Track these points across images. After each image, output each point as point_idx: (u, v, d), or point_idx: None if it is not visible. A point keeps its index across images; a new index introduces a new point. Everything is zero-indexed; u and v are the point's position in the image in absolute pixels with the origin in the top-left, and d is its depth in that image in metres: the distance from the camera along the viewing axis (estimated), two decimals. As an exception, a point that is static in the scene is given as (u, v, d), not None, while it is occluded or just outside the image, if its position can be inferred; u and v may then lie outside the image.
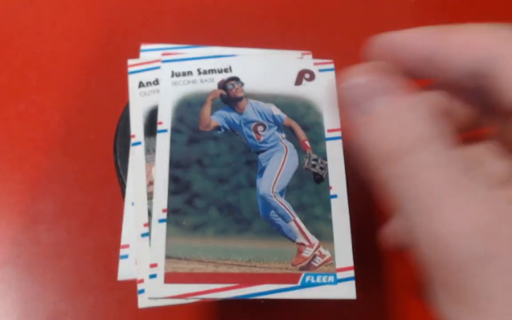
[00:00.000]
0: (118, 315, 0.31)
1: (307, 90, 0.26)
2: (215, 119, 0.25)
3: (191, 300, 0.22)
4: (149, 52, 0.29)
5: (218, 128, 0.25)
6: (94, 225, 0.34)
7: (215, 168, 0.24)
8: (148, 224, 0.24)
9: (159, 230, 0.23)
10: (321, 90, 0.27)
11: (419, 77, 0.25)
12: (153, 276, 0.22)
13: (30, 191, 0.35)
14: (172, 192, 0.24)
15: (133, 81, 0.27)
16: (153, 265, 0.22)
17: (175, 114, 0.25)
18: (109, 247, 0.33)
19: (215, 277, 0.22)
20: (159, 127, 0.25)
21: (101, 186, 0.35)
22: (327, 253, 0.22)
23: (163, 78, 0.26)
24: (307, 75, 0.27)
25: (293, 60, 0.27)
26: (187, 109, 0.25)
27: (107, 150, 0.31)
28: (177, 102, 0.25)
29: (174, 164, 0.24)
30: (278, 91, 0.26)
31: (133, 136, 0.26)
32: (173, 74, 0.26)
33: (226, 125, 0.25)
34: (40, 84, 0.40)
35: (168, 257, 0.22)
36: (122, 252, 0.23)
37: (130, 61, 0.28)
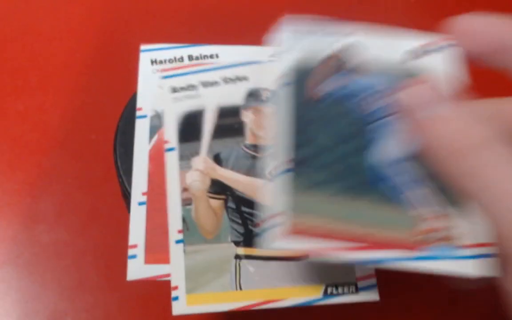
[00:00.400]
0: (118, 315, 0.31)
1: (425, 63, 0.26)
2: (331, 83, 0.25)
3: (314, 259, 0.21)
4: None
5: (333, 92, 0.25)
6: (94, 225, 0.34)
7: (339, 127, 0.24)
8: (182, 231, 0.24)
9: (282, 181, 0.22)
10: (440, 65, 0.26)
11: (493, 65, 0.25)
12: (275, 226, 0.21)
13: (30, 191, 0.35)
14: (296, 145, 0.23)
15: (166, 86, 0.27)
16: (275, 216, 0.21)
17: (295, 72, 0.25)
18: (109, 247, 0.33)
19: (340, 236, 0.21)
20: (281, 81, 0.24)
21: (101, 186, 0.35)
22: (450, 227, 0.22)
23: (283, 40, 0.26)
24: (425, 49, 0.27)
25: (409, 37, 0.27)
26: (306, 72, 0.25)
27: (107, 150, 0.31)
28: (298, 59, 0.25)
29: (297, 118, 0.23)
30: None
31: (167, 141, 0.26)
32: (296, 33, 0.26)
33: (347, 89, 0.25)
34: (40, 84, 0.40)
35: (292, 208, 0.21)
36: (131, 252, 0.23)
37: (163, 66, 0.28)
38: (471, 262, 0.21)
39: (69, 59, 0.41)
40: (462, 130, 0.21)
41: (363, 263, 0.22)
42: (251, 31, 0.43)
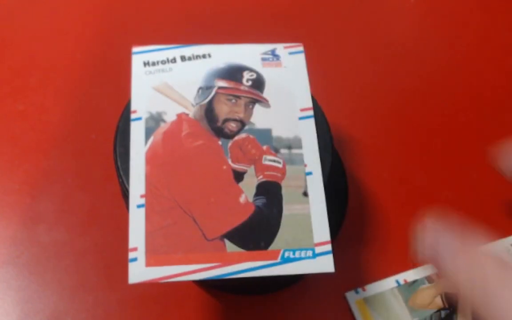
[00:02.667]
0: (118, 315, 0.31)
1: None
2: None
3: None
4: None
5: None
6: (94, 225, 0.34)
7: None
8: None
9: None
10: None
11: None
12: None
13: (30, 191, 0.35)
14: None
15: None
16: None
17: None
18: (109, 247, 0.33)
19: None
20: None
21: (101, 186, 0.35)
22: None
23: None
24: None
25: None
26: None
27: (107, 150, 0.31)
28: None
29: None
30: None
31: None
32: None
33: None
34: (40, 84, 0.40)
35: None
36: (131, 255, 0.23)
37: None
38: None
39: (69, 59, 0.41)
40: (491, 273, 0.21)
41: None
42: (241, 30, 0.43)
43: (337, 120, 0.32)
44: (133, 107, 0.27)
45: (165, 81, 0.28)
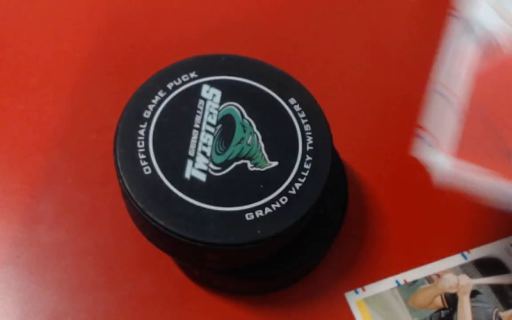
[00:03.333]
0: (118, 315, 0.31)
1: None
2: None
3: None
4: None
5: None
6: (94, 225, 0.34)
7: None
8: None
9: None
10: None
11: None
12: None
13: (30, 191, 0.35)
14: None
15: None
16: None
17: None
18: (109, 247, 0.33)
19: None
20: None
21: (101, 186, 0.35)
22: None
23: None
24: None
25: None
26: None
27: (107, 150, 0.31)
28: None
29: None
30: None
31: None
32: None
33: None
34: (40, 84, 0.40)
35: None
36: (424, 135, 0.22)
37: None
38: None
39: (69, 59, 0.41)
40: None
41: None
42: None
43: (337, 120, 0.32)
44: (470, 19, 0.26)
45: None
